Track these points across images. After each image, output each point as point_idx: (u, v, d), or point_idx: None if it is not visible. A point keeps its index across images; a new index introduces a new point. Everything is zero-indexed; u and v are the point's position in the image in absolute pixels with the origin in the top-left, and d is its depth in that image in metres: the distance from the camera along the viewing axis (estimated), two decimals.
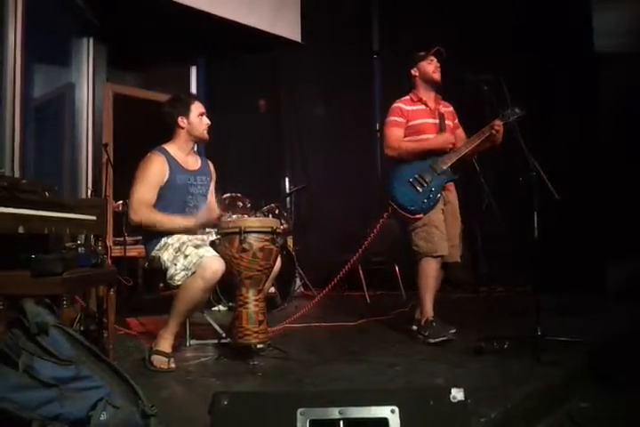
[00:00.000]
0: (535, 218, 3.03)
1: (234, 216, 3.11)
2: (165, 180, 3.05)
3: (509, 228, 4.44)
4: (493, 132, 3.31)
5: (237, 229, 2.84)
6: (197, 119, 3.16)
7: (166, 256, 2.93)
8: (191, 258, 2.83)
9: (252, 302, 2.88)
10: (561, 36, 5.52)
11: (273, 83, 6.91)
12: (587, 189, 5.09)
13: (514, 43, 5.72)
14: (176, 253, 2.91)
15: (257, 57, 6.42)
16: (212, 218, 3.11)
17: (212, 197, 3.36)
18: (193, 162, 3.23)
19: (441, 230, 3.37)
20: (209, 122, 3.19)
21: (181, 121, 3.14)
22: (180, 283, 2.83)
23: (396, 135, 3.50)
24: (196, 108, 3.17)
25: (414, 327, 3.48)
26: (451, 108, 3.68)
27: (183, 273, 2.83)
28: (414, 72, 3.58)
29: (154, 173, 3.03)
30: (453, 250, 3.49)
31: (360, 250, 4.16)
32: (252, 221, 2.99)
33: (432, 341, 3.21)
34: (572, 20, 5.57)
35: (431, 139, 3.44)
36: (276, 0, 6.12)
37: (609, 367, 2.90)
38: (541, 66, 5.55)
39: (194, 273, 2.78)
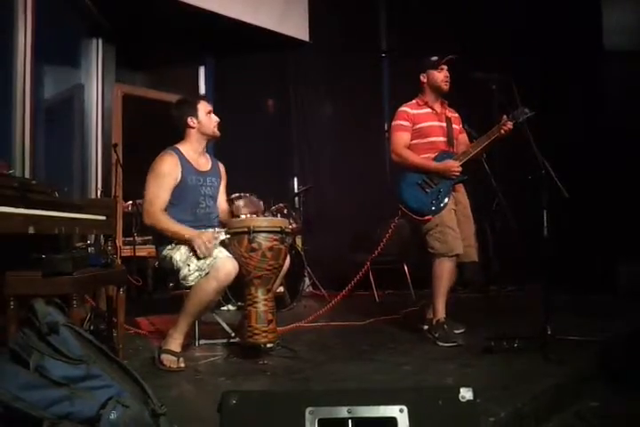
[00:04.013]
0: (545, 217, 3.02)
1: (242, 216, 3.10)
2: (178, 180, 3.06)
3: (519, 227, 4.42)
4: (502, 132, 3.29)
5: (246, 229, 2.85)
6: (206, 117, 3.18)
7: (179, 256, 2.94)
8: (204, 259, 2.84)
9: (261, 301, 2.88)
10: (570, 34, 5.49)
11: (281, 82, 6.91)
12: (597, 188, 5.06)
13: (522, 42, 5.69)
14: (189, 253, 2.91)
15: (265, 57, 6.42)
16: (210, 245, 2.88)
17: (222, 197, 3.37)
18: (204, 163, 3.24)
19: (454, 230, 3.35)
20: (218, 119, 3.22)
21: (191, 121, 3.16)
22: (193, 283, 2.84)
23: (402, 140, 3.48)
24: (203, 106, 3.19)
25: (425, 327, 3.48)
26: (457, 115, 3.67)
27: (197, 274, 2.84)
28: (423, 78, 3.55)
29: (167, 172, 3.03)
30: (470, 250, 3.48)
31: (374, 254, 4.16)
32: (261, 221, 2.99)
33: (441, 344, 3.20)
34: (580, 19, 5.54)
35: (437, 164, 3.40)
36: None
37: (619, 366, 2.88)
38: (550, 65, 5.52)
39: (207, 274, 2.79)
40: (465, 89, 3.97)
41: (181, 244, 2.96)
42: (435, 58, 3.53)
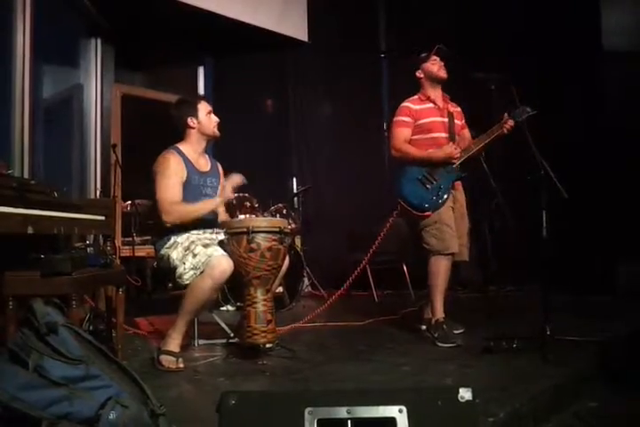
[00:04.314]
0: (544, 217, 3.02)
1: (241, 216, 3.10)
2: (184, 178, 3.06)
3: (519, 227, 4.42)
4: (504, 131, 3.30)
5: (245, 229, 2.85)
6: (206, 118, 3.18)
7: (175, 255, 2.94)
8: (200, 257, 2.84)
9: (260, 301, 2.88)
10: (569, 34, 5.49)
11: (280, 82, 6.92)
12: (596, 188, 5.06)
13: (522, 42, 5.69)
14: (185, 251, 2.92)
15: (264, 57, 6.42)
16: (230, 193, 3.10)
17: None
18: (204, 163, 3.25)
19: (452, 228, 3.36)
20: (217, 119, 3.22)
21: (191, 121, 3.16)
22: (188, 282, 2.84)
23: (402, 135, 3.49)
24: (203, 107, 3.19)
25: (423, 327, 3.48)
26: (459, 109, 3.68)
27: (192, 272, 2.84)
28: (419, 74, 3.58)
29: (174, 170, 3.03)
30: (462, 249, 3.48)
31: (370, 251, 4.16)
32: (260, 221, 2.99)
33: (440, 345, 3.19)
34: (579, 19, 5.54)
35: (436, 151, 3.41)
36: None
37: (618, 367, 2.88)
38: (549, 65, 5.52)
39: (202, 272, 2.79)
40: (465, 89, 3.97)
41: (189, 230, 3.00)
42: (424, 54, 3.57)
